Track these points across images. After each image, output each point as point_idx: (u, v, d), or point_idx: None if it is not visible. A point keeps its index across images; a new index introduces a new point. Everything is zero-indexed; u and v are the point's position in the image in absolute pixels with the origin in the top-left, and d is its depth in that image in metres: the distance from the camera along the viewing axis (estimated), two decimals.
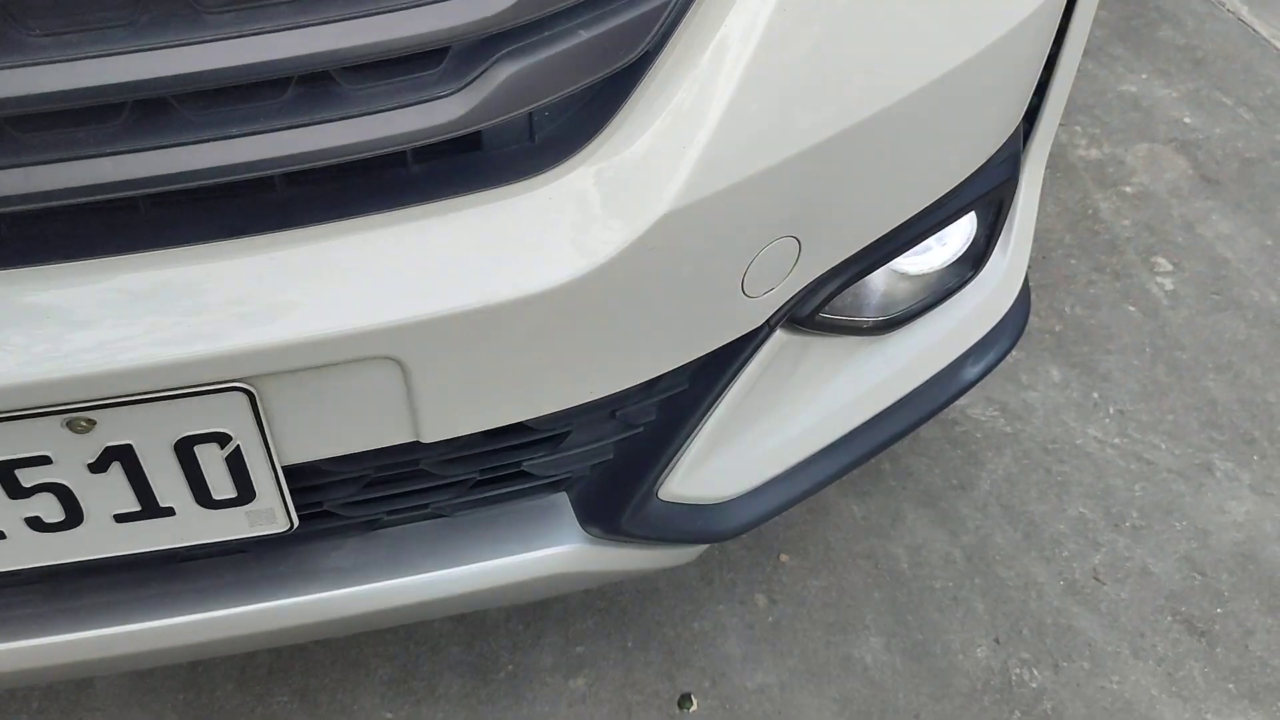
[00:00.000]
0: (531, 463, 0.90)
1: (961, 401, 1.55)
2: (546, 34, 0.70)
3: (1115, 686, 1.25)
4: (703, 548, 1.05)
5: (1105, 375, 1.59)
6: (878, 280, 1.02)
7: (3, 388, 0.67)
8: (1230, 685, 1.25)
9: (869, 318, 1.01)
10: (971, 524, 1.41)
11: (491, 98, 0.69)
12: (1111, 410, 1.55)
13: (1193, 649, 1.28)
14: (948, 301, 1.08)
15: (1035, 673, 1.27)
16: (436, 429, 0.78)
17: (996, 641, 1.30)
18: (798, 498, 1.04)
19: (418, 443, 0.79)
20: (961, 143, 0.92)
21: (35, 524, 0.77)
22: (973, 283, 1.09)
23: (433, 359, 0.73)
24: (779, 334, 0.92)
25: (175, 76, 0.63)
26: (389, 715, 1.23)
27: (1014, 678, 1.26)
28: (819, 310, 0.92)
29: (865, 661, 1.28)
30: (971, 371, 1.12)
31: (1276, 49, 2.23)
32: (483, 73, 0.69)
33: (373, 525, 0.92)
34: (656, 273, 0.76)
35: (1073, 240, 1.81)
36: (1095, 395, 1.57)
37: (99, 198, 0.66)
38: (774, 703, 1.24)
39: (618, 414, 0.89)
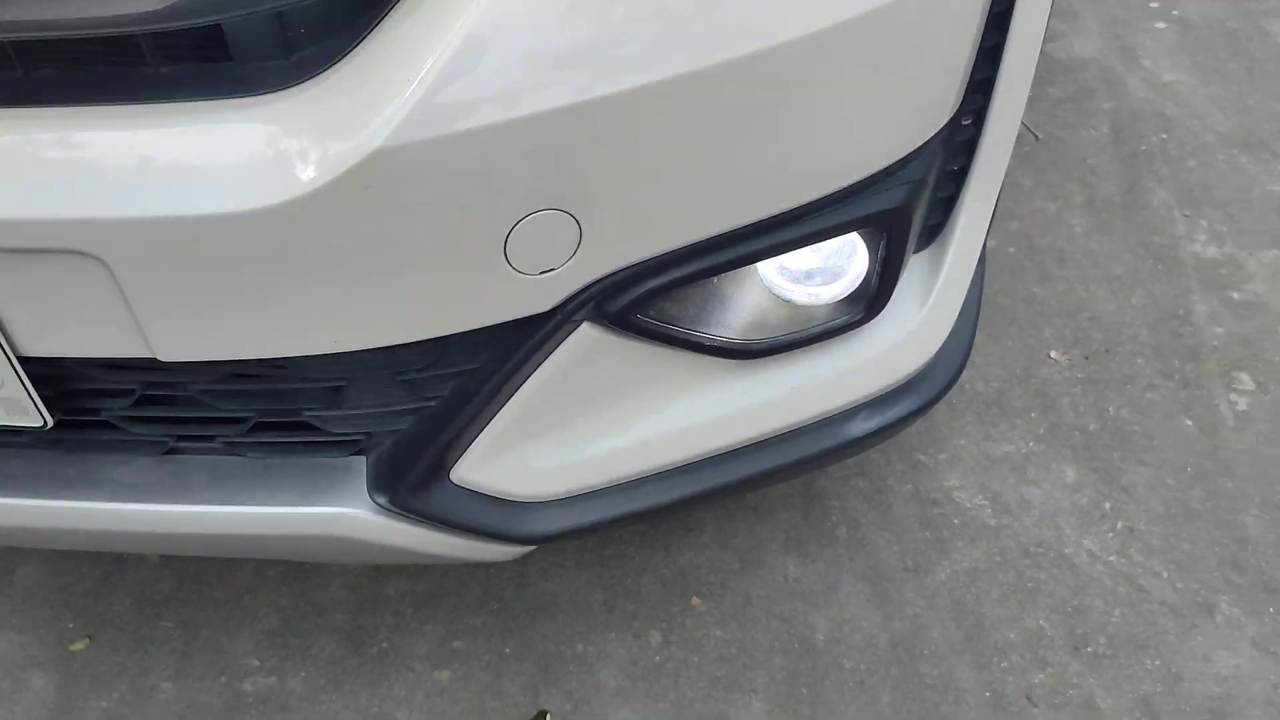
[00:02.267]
0: (310, 414, 0.88)
1: (951, 483, 1.41)
2: None
3: None
4: (521, 550, 0.99)
5: (1127, 488, 1.41)
6: (741, 297, 0.95)
7: None
8: None
9: (721, 337, 0.93)
10: (910, 611, 1.27)
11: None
12: (1119, 525, 1.36)
13: None
14: (834, 343, 0.98)
15: None
16: (171, 349, 0.79)
17: None
18: (621, 518, 0.97)
19: (157, 360, 0.79)
20: (816, 139, 0.83)
21: None
22: (870, 328, 0.99)
23: (139, 265, 0.73)
24: (588, 328, 0.86)
25: None
26: (255, 663, 1.24)
27: None
28: (634, 311, 0.86)
29: None
30: (861, 426, 1.02)
31: None
32: None
33: (165, 449, 0.92)
34: (383, 216, 0.73)
35: (1148, 338, 1.62)
36: (1107, 505, 1.39)
37: None
38: None
39: (401, 379, 0.87)
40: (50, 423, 0.84)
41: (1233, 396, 1.53)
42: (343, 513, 0.91)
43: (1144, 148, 2.02)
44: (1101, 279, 1.73)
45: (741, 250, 0.86)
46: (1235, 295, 1.70)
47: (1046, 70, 2.25)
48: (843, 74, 0.80)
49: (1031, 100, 2.14)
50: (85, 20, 0.68)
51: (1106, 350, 1.61)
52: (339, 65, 0.72)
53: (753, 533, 1.36)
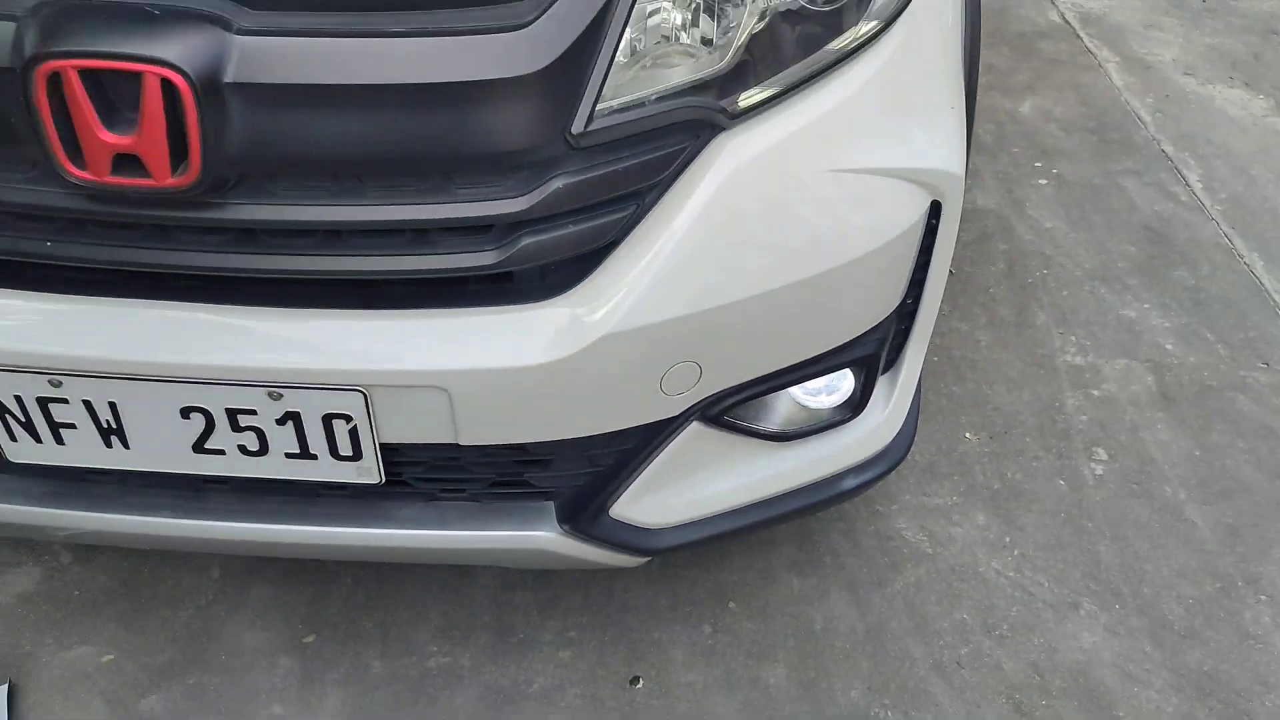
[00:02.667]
0: (529, 475, 1.47)
1: (899, 524, 2.03)
2: (550, 224, 1.29)
3: None
4: (644, 560, 1.58)
5: (1020, 527, 2.04)
6: (780, 405, 1.56)
7: (241, 367, 1.30)
8: None
9: (768, 429, 1.55)
10: (877, 610, 1.88)
11: (514, 256, 1.28)
12: (1015, 553, 1.99)
13: None
14: (834, 432, 1.60)
15: (890, 715, 1.72)
16: (468, 437, 1.37)
17: (869, 689, 1.76)
18: (708, 539, 1.57)
19: (457, 444, 1.38)
20: (829, 323, 1.47)
21: (242, 450, 1.39)
22: (855, 422, 1.61)
23: (467, 394, 1.32)
24: (696, 425, 1.47)
25: (350, 221, 1.25)
26: (434, 648, 1.79)
27: (873, 715, 1.72)
28: (724, 414, 1.47)
29: (768, 682, 1.76)
30: (851, 482, 1.64)
31: (1275, 300, 2.65)
32: (510, 241, 1.28)
33: (432, 497, 1.50)
34: (604, 367, 1.33)
35: (1033, 423, 2.27)
36: (1007, 539, 2.02)
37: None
38: (695, 694, 1.74)
39: (586, 454, 1.46)
40: (383, 481, 1.42)
41: (1093, 464, 2.19)
42: (542, 535, 1.50)
43: (1030, 280, 2.71)
44: (1001, 380, 2.39)
45: (785, 379, 1.48)
46: (1095, 392, 2.37)
47: None
48: (842, 286, 1.43)
49: None
50: (442, 270, 1.28)
51: (1005, 432, 2.26)
52: (579, 288, 1.32)
53: (766, 559, 1.96)
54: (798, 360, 1.48)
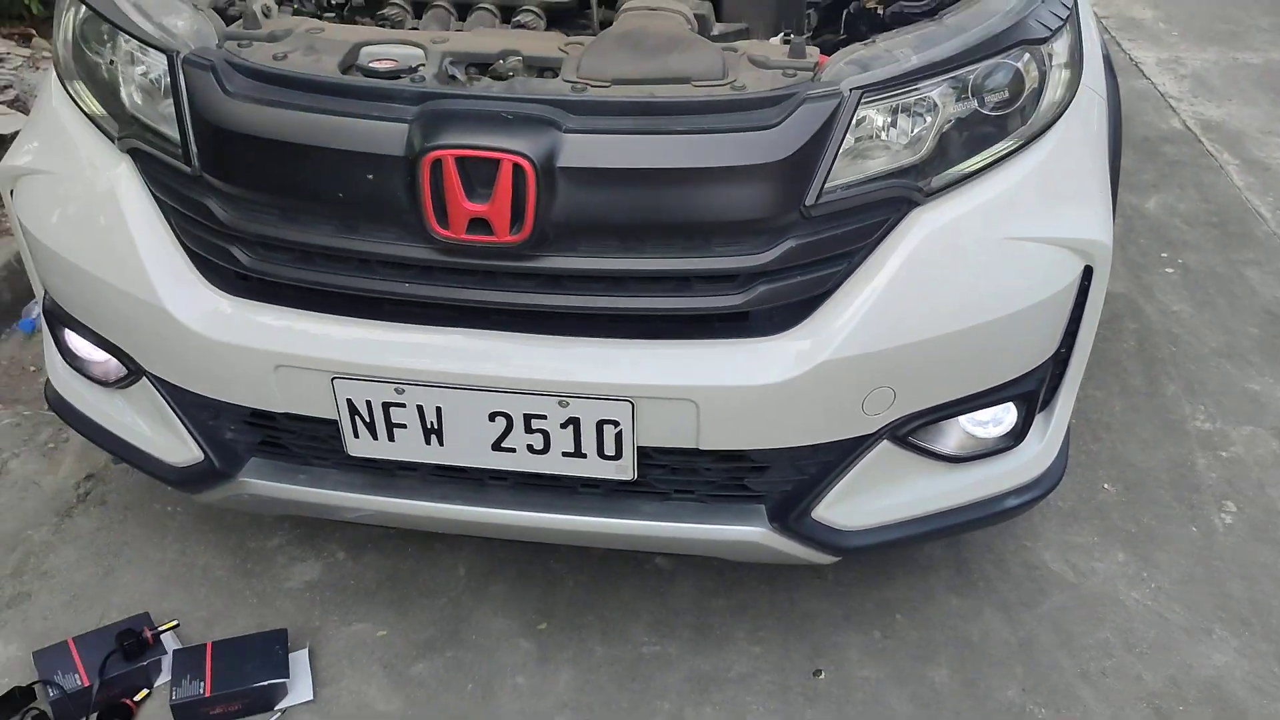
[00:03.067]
0: (748, 479, 1.82)
1: (1044, 556, 2.31)
2: (779, 276, 1.66)
3: None
4: (836, 558, 1.90)
5: (1157, 564, 2.30)
6: (953, 433, 1.88)
7: (541, 380, 1.68)
8: None
9: (944, 451, 1.87)
10: (1027, 627, 2.15)
11: (754, 299, 1.65)
12: (1152, 585, 2.25)
13: None
14: (998, 457, 1.91)
15: (1043, 713, 1.98)
16: (707, 442, 1.73)
17: (1023, 690, 2.02)
18: (891, 543, 1.89)
19: (698, 449, 1.73)
20: (1000, 361, 1.79)
21: (529, 449, 1.77)
22: (1016, 450, 1.92)
23: (709, 405, 1.68)
24: (886, 443, 1.80)
25: (632, 270, 1.64)
26: (645, 638, 2.12)
27: (1027, 712, 1.98)
28: (909, 436, 1.80)
29: (934, 680, 2.04)
30: (1012, 502, 1.94)
31: None
32: (751, 288, 1.65)
33: (666, 496, 1.85)
34: (818, 388, 1.68)
35: (1167, 478, 2.53)
36: (1144, 574, 2.27)
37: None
38: (870, 687, 2.03)
39: (796, 462, 1.80)
40: (635, 478, 1.78)
41: (1222, 515, 2.43)
42: (756, 530, 1.83)
43: (1160, 355, 2.98)
44: (1134, 441, 2.65)
45: (961, 407, 1.81)
46: (1223, 454, 2.62)
47: None
48: (1009, 332, 1.76)
49: None
50: (698, 309, 1.66)
51: (1139, 484, 2.52)
52: (801, 325, 1.68)
53: (926, 581, 2.25)
54: (972, 392, 1.80)
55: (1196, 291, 3.29)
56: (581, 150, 1.58)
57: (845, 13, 2.15)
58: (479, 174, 1.58)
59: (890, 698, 2.01)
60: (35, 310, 3.00)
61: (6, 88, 3.86)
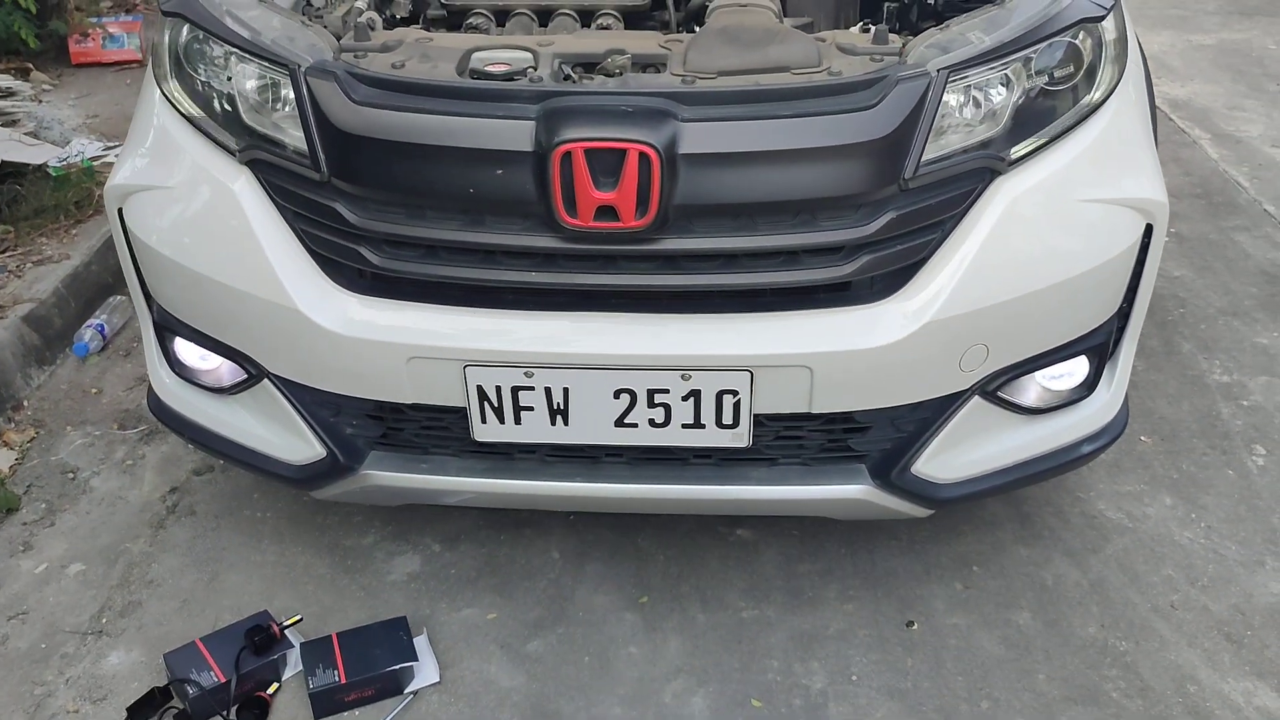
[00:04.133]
0: (851, 440, 1.94)
1: (1100, 506, 2.46)
2: (881, 246, 1.79)
3: (1172, 657, 2.09)
4: (931, 511, 2.03)
5: (1203, 506, 2.46)
6: (1031, 388, 2.02)
7: (664, 355, 1.79)
8: (1247, 667, 2.07)
9: (1026, 404, 2.01)
10: (1095, 570, 2.30)
11: (859, 269, 1.78)
12: (1202, 525, 2.41)
13: (1227, 648, 2.11)
14: (1072, 408, 2.06)
15: (1124, 645, 2.13)
16: (819, 405, 1.85)
17: (1102, 626, 2.17)
18: (983, 493, 2.02)
19: (809, 413, 1.86)
20: (1076, 316, 1.94)
21: (650, 423, 1.87)
22: (1087, 400, 2.07)
23: (822, 370, 1.80)
24: (977, 399, 1.94)
25: (745, 247, 1.76)
26: (742, 603, 2.23)
27: (1110, 645, 2.13)
28: (997, 391, 1.94)
29: (1019, 623, 2.18)
30: (1087, 448, 2.08)
31: None
32: (856, 258, 1.78)
33: (774, 461, 1.97)
34: (923, 347, 1.81)
35: (1197, 428, 2.70)
36: (1193, 515, 2.44)
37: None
38: (961, 633, 2.16)
39: (895, 421, 1.93)
40: (750, 444, 1.89)
41: (1254, 458, 2.61)
42: (859, 488, 1.96)
43: (1170, 318, 3.17)
44: (1161, 396, 2.82)
45: (1042, 361, 1.95)
46: (1245, 403, 2.80)
47: None
48: (1084, 288, 1.91)
49: None
50: (808, 281, 1.78)
51: (1174, 435, 2.69)
52: (901, 291, 1.81)
53: (994, 534, 2.39)
54: (1051, 346, 1.95)
55: (1194, 258, 3.49)
56: (699, 137, 1.70)
57: (886, 6, 2.30)
58: (605, 165, 1.69)
59: (982, 641, 2.15)
60: (88, 334, 3.04)
61: (17, 122, 3.88)
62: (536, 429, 1.90)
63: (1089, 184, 1.91)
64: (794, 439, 1.95)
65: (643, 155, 1.68)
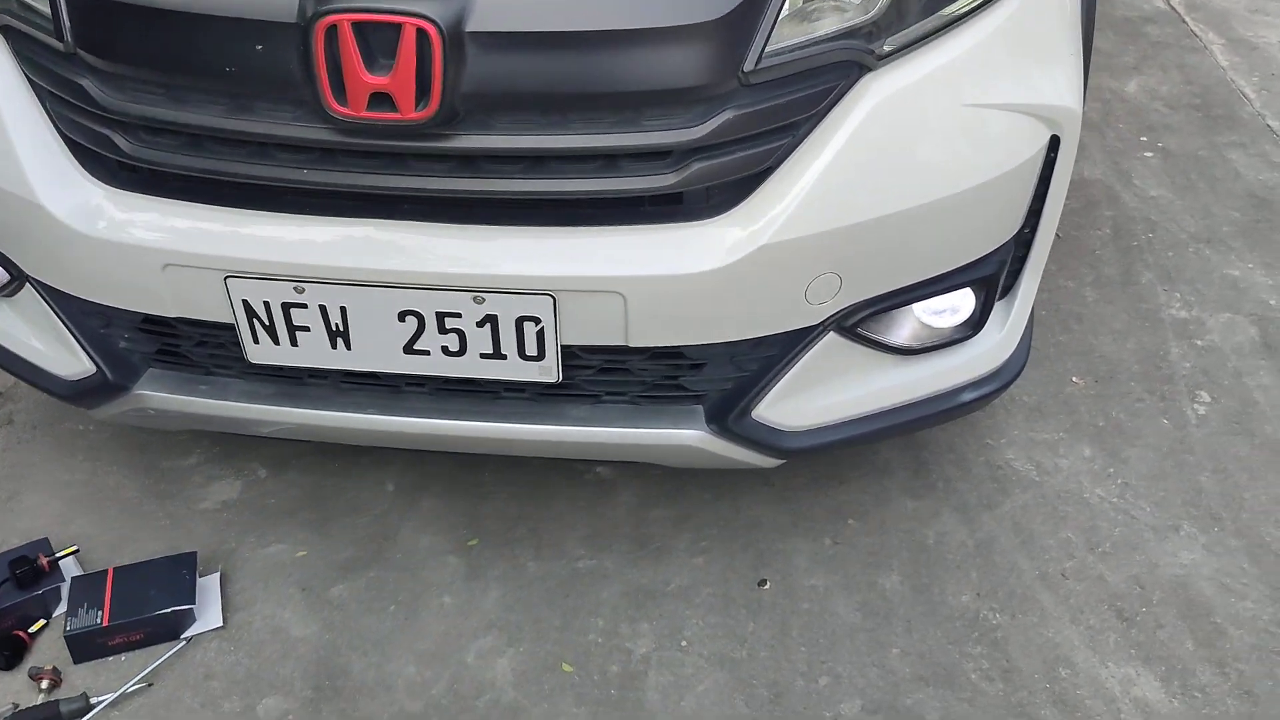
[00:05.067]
0: (684, 379, 1.67)
1: (1008, 455, 2.19)
2: (716, 152, 1.50)
3: (1050, 635, 1.84)
4: (780, 461, 1.77)
5: (1124, 459, 2.18)
6: (906, 322, 1.74)
7: (453, 274, 1.52)
8: (1132, 650, 1.82)
9: (896, 342, 1.72)
10: (986, 528, 2.04)
11: (688, 178, 1.49)
12: (1119, 481, 2.13)
13: (1115, 626, 1.86)
14: (955, 348, 1.77)
15: (998, 618, 1.88)
16: (637, 338, 1.58)
17: (978, 594, 1.92)
18: (838, 443, 1.75)
19: (626, 346, 1.59)
20: (956, 242, 1.64)
21: (445, 350, 1.61)
22: (974, 340, 1.78)
23: (640, 299, 1.53)
24: (832, 335, 1.65)
25: (554, 148, 1.47)
26: (581, 552, 2.00)
27: (981, 618, 1.88)
28: (857, 327, 1.66)
29: (885, 587, 1.93)
30: (969, 395, 1.80)
31: None
32: (684, 166, 1.49)
33: (597, 399, 1.71)
34: (758, 275, 1.53)
35: (1139, 369, 2.40)
36: (1111, 470, 2.16)
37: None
38: (817, 596, 1.92)
39: (734, 359, 1.65)
40: (559, 380, 1.63)
41: (1196, 406, 2.31)
42: (693, 433, 1.69)
43: (1135, 243, 2.83)
44: (1106, 331, 2.52)
45: (913, 294, 1.66)
46: (1199, 342, 2.49)
47: None
48: (967, 210, 1.60)
49: None
50: (627, 191, 1.49)
51: (1110, 377, 2.39)
52: (740, 207, 1.52)
53: (881, 484, 2.13)
54: (926, 277, 1.65)
55: (1177, 176, 3.13)
56: (493, 11, 1.40)
57: None
58: (380, 42, 1.40)
59: (838, 606, 1.90)
60: None
61: None
62: (316, 352, 1.64)
63: (980, 86, 1.59)
64: (616, 375, 1.68)
65: (421, 32, 1.38)
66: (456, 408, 1.72)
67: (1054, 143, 1.66)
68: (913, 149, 1.56)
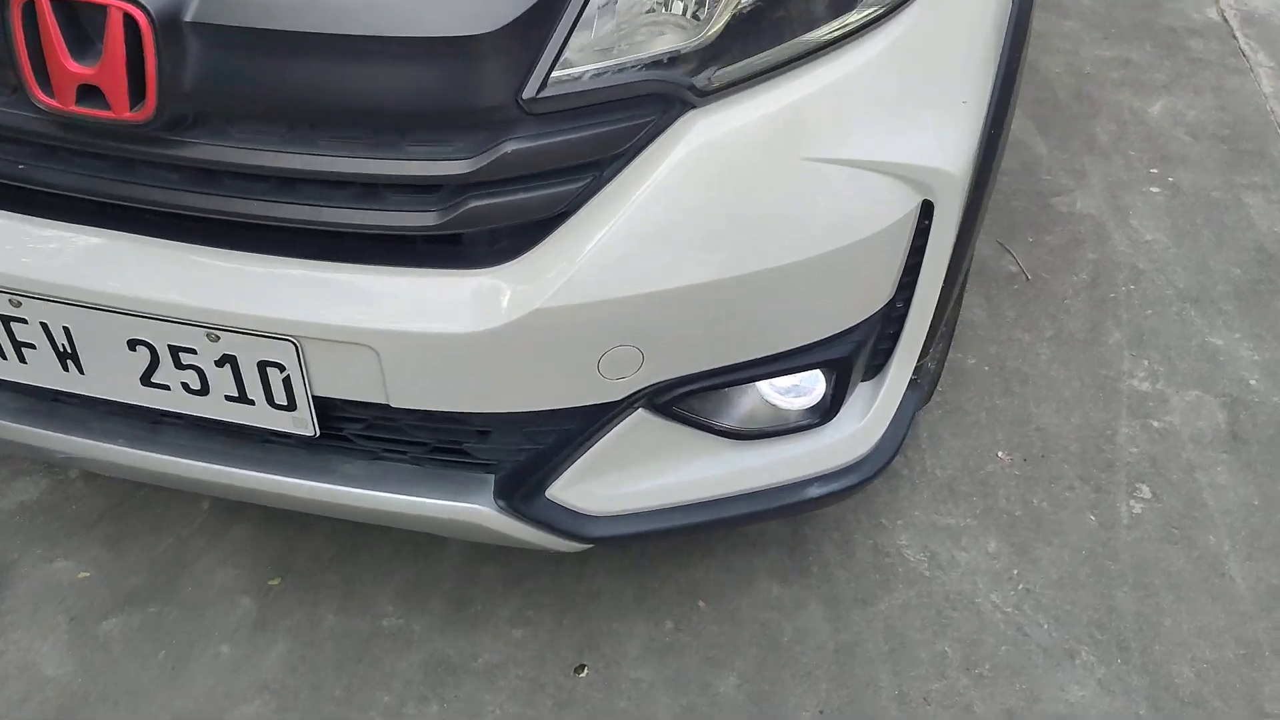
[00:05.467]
0: (468, 445, 1.43)
1: (900, 540, 1.91)
2: (500, 189, 1.24)
3: None
4: (584, 546, 1.52)
5: (1034, 560, 1.89)
6: (743, 401, 1.47)
7: (180, 305, 1.29)
8: None
9: (726, 424, 1.46)
10: (854, 629, 1.78)
11: (457, 219, 1.24)
12: (1021, 587, 1.85)
13: None
14: (801, 435, 1.50)
15: None
16: (398, 399, 1.34)
17: (821, 712, 1.66)
18: (650, 534, 1.50)
19: (389, 405, 1.35)
20: (794, 319, 1.37)
21: (185, 387, 1.39)
22: (826, 428, 1.51)
23: (396, 356, 1.28)
24: (642, 413, 1.40)
25: (300, 169, 1.22)
26: (390, 609, 1.78)
27: None
28: (675, 405, 1.40)
29: (718, 690, 1.69)
30: (815, 491, 1.54)
31: None
32: (455, 204, 1.24)
33: (374, 455, 1.48)
34: (533, 342, 1.28)
35: (1077, 449, 2.10)
36: (1015, 571, 1.88)
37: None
38: (639, 692, 1.68)
39: (524, 430, 1.41)
40: (317, 434, 1.40)
41: (1132, 502, 2.01)
42: (476, 509, 1.45)
43: (1113, 295, 2.51)
44: (1052, 399, 2.22)
45: (743, 374, 1.39)
46: (1155, 424, 2.18)
47: (1049, 220, 2.75)
48: (809, 282, 1.33)
49: (1029, 246, 2.66)
50: (386, 226, 1.25)
51: (1042, 455, 2.10)
52: (524, 258, 1.26)
53: (749, 560, 1.87)
54: (757, 356, 1.39)
55: (1180, 219, 2.78)
56: (220, 1, 1.16)
57: None
58: (85, 26, 1.17)
59: (658, 709, 1.66)
60: None
61: None
62: (46, 373, 1.43)
63: (830, 135, 1.31)
64: (390, 434, 1.44)
65: (129, 18, 1.14)
66: (217, 449, 1.50)
67: (927, 209, 1.38)
68: (738, 207, 1.29)
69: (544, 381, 1.33)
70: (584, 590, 1.82)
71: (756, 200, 1.30)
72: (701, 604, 1.81)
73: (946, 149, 1.37)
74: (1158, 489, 2.04)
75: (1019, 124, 3.16)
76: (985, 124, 1.48)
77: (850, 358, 1.44)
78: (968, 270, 1.82)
